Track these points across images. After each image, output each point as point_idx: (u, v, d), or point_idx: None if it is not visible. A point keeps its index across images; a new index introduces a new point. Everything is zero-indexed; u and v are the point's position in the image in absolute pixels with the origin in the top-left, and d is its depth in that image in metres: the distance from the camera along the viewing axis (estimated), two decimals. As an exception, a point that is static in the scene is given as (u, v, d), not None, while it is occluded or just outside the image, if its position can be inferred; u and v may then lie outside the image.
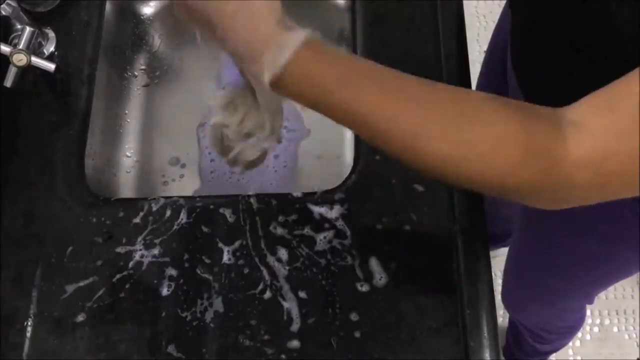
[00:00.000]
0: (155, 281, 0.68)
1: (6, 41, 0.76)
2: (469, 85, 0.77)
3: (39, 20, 0.80)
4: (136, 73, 0.92)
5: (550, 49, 0.62)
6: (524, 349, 1.25)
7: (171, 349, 0.65)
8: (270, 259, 0.68)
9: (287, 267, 0.68)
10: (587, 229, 0.74)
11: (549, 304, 1.04)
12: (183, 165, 0.88)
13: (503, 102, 0.45)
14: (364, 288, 0.66)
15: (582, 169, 0.42)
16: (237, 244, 0.69)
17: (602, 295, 1.43)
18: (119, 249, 0.69)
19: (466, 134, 0.44)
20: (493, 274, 0.67)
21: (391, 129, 0.45)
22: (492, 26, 1.80)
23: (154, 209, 0.71)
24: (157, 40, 0.94)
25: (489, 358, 0.64)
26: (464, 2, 0.82)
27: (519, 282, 1.01)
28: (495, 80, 0.86)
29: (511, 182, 0.44)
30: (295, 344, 0.65)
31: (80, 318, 0.66)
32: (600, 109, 0.42)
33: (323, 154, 0.88)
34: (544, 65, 0.64)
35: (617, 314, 1.47)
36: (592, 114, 0.42)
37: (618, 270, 0.83)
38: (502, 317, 1.51)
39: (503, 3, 1.97)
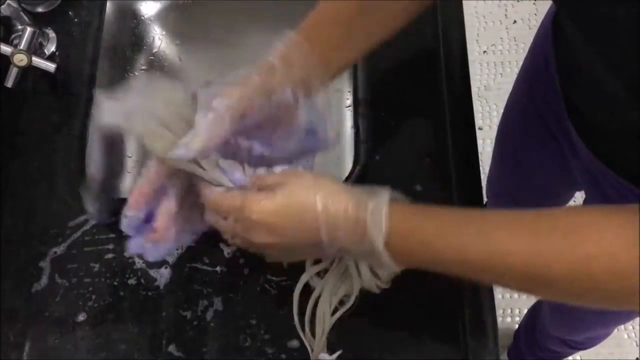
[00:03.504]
0: (155, 281, 0.68)
1: (7, 41, 0.76)
2: (468, 86, 0.77)
3: (39, 21, 0.80)
4: (136, 73, 0.92)
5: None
6: (540, 354, 1.24)
7: (172, 348, 0.65)
8: (271, 259, 0.68)
9: (288, 267, 0.68)
10: None
11: (609, 324, 1.04)
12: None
13: (605, 212, 0.45)
14: (364, 288, 0.66)
15: None
16: (237, 243, 0.69)
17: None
18: (120, 249, 0.69)
19: (580, 253, 0.43)
20: (493, 273, 0.68)
21: (507, 266, 0.46)
22: (491, 26, 1.81)
23: (155, 209, 0.71)
24: (157, 40, 0.94)
25: (489, 358, 0.64)
26: (464, 2, 0.82)
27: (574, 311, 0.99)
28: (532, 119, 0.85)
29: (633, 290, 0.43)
30: (295, 343, 0.65)
31: (81, 318, 0.66)
32: None
33: (323, 154, 0.88)
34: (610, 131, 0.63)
35: (616, 313, 1.47)
36: None
37: None
38: (502, 317, 1.51)
39: (503, 3, 1.98)
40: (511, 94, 0.94)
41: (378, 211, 0.48)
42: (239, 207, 0.51)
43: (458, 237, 0.47)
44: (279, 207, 0.50)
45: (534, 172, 0.95)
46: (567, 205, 0.46)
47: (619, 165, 0.64)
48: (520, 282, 0.48)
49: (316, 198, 0.49)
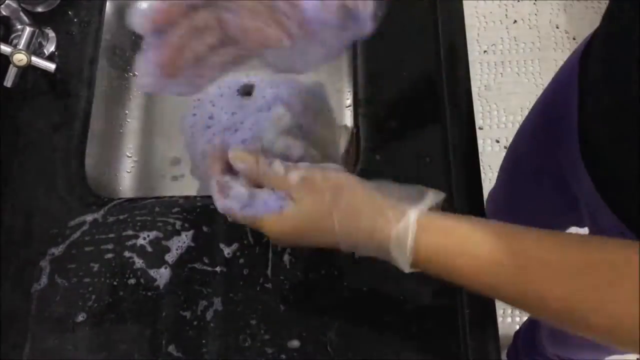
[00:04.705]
0: (155, 281, 0.68)
1: (6, 41, 0.76)
2: (468, 86, 0.77)
3: (39, 20, 0.80)
4: (136, 73, 0.92)
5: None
6: (538, 359, 1.25)
7: (171, 348, 0.65)
8: (270, 259, 0.68)
9: (288, 267, 0.68)
10: None
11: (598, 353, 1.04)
12: (183, 166, 0.88)
13: None
14: (364, 288, 0.67)
15: None
16: (237, 243, 0.69)
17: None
18: (120, 249, 0.69)
19: (620, 305, 0.40)
20: (493, 273, 0.68)
21: (540, 309, 0.44)
22: (491, 26, 1.81)
23: (155, 209, 0.71)
24: (157, 40, 0.93)
25: (489, 358, 0.64)
26: (464, 1, 0.82)
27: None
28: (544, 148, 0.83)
29: None
30: (295, 343, 0.65)
31: (81, 318, 0.66)
32: None
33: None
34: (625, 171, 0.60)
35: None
36: None
37: None
38: (502, 317, 1.51)
39: (503, 3, 1.97)
40: (525, 121, 0.93)
41: (403, 242, 0.45)
42: (252, 220, 0.51)
43: (491, 277, 0.44)
44: (292, 230, 0.49)
45: (537, 202, 0.95)
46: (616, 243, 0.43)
47: (624, 211, 0.62)
48: (554, 322, 0.45)
49: (334, 221, 0.46)
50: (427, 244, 0.45)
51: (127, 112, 0.90)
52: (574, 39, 1.77)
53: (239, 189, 0.52)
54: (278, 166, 0.50)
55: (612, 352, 1.07)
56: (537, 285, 0.43)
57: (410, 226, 0.45)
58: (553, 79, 0.82)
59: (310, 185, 0.48)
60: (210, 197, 0.72)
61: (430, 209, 0.47)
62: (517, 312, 1.52)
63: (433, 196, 0.47)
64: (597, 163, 0.66)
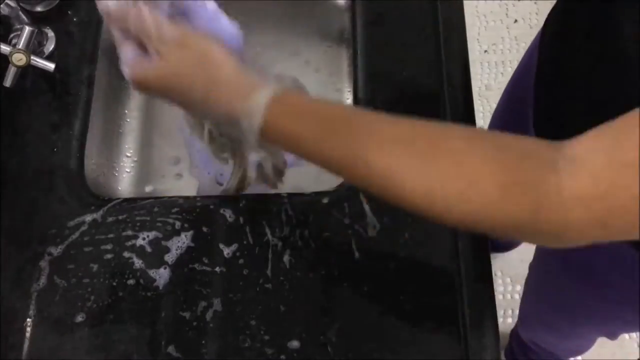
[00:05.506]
0: (155, 281, 0.67)
1: (5, 41, 0.76)
2: (469, 87, 0.77)
3: (38, 20, 0.80)
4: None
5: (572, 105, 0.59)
6: (532, 357, 1.25)
7: (171, 349, 0.65)
8: (270, 259, 0.68)
9: (288, 267, 0.68)
10: (588, 274, 0.73)
11: (560, 337, 1.04)
12: (183, 165, 0.88)
13: (484, 138, 0.45)
14: (364, 288, 0.66)
15: (577, 205, 0.39)
16: (237, 244, 0.69)
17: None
18: (119, 249, 0.69)
19: (439, 173, 0.43)
20: (493, 273, 0.67)
21: (365, 175, 0.46)
22: (492, 26, 1.81)
23: (154, 209, 0.71)
24: (157, 39, 0.93)
25: (489, 358, 0.64)
26: (465, 1, 0.82)
27: (533, 311, 1.01)
28: (514, 115, 0.84)
29: (493, 219, 0.43)
30: (295, 344, 0.64)
31: (80, 318, 0.66)
32: (602, 143, 0.40)
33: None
34: (564, 119, 0.61)
35: (617, 313, 1.47)
36: (593, 148, 0.40)
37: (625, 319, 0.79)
38: (502, 317, 1.51)
39: (504, 2, 1.98)
40: (496, 106, 0.95)
41: (253, 121, 0.48)
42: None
43: (326, 142, 0.47)
44: (155, 79, 0.50)
45: None
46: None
47: None
48: (379, 192, 0.47)
49: (194, 85, 0.49)
50: (276, 120, 0.48)
51: (126, 111, 0.90)
52: (574, 38, 1.77)
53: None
54: (155, 19, 0.50)
55: (576, 339, 1.07)
56: (364, 150, 0.45)
57: (261, 104, 0.48)
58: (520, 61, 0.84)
59: (181, 43, 0.50)
60: (209, 197, 0.72)
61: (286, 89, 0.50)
62: (517, 312, 1.51)
63: (270, 87, 0.49)
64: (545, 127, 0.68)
